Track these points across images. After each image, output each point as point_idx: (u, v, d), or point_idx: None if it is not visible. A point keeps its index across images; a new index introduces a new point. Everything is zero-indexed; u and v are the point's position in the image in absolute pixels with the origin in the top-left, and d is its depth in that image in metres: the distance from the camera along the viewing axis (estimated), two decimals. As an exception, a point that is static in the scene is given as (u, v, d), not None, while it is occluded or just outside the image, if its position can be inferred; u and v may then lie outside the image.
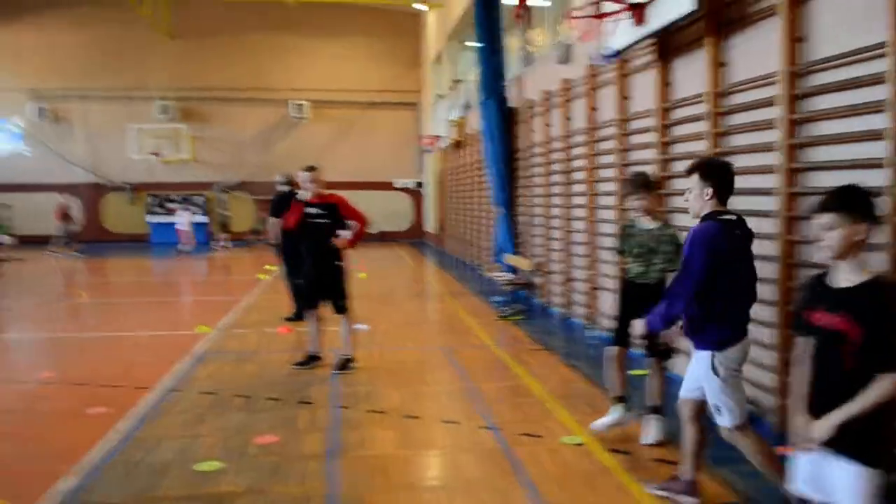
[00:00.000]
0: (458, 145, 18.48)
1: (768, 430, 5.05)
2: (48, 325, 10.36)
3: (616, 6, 6.56)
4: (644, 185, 4.84)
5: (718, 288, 3.56)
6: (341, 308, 7.03)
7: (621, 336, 4.86)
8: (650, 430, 4.88)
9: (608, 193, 8.34)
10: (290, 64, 26.47)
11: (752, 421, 5.22)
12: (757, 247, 5.22)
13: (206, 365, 7.27)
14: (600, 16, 7.02)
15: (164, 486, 4.24)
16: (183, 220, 21.72)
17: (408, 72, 27.11)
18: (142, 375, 6.72)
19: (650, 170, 6.47)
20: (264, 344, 8.39)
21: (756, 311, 5.25)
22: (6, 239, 19.10)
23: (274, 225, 9.27)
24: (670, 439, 4.71)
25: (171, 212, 25.40)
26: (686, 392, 3.88)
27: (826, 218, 2.53)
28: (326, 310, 7.11)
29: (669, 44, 6.63)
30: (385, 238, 24.70)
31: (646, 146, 7.20)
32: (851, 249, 2.52)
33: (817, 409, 2.55)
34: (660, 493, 3.99)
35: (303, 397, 6.08)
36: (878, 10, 4.03)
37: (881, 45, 4.03)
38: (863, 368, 2.44)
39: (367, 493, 4.18)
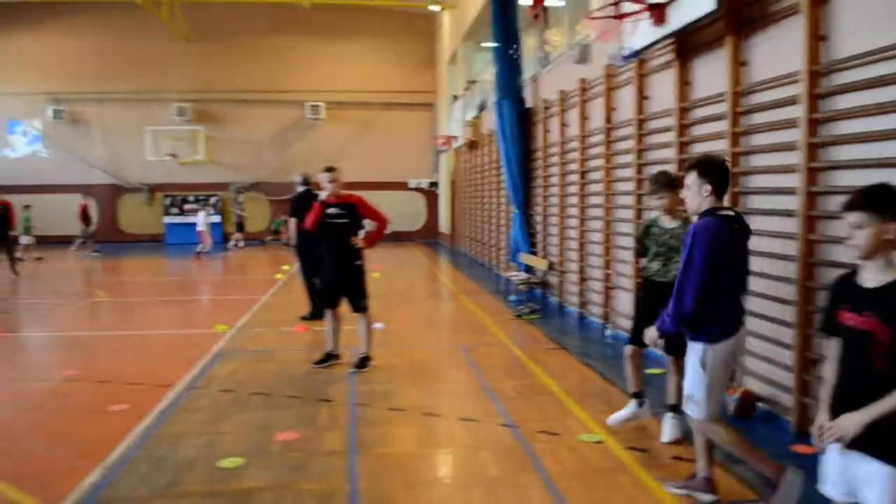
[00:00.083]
0: (472, 145, 18.52)
1: (786, 428, 5.04)
2: (69, 323, 10.49)
3: (636, 6, 6.55)
4: (668, 184, 4.84)
5: (719, 284, 3.58)
6: (361, 307, 7.06)
7: (639, 335, 4.87)
8: (668, 428, 4.90)
9: (625, 193, 8.33)
10: (305, 65, 26.62)
11: (771, 419, 5.26)
12: (778, 246, 5.26)
13: (224, 363, 7.34)
14: (620, 16, 7.01)
15: (189, 481, 4.29)
16: (200, 220, 21.79)
17: (422, 72, 27.20)
18: (162, 373, 6.80)
19: (669, 169, 6.46)
20: (282, 342, 8.46)
21: (777, 310, 5.28)
22: (27, 239, 19.32)
23: (294, 225, 9.34)
24: (688, 437, 4.71)
25: (186, 213, 25.59)
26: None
27: (854, 216, 2.50)
28: (345, 309, 7.16)
29: (689, 43, 6.63)
30: (399, 238, 24.77)
31: (664, 145, 7.19)
32: (880, 249, 2.48)
33: (846, 409, 2.52)
34: (679, 492, 4.00)
35: (322, 395, 6.13)
36: (901, 9, 4.03)
37: (904, 44, 4.02)
38: (892, 369, 2.41)
39: (389, 489, 4.21)
